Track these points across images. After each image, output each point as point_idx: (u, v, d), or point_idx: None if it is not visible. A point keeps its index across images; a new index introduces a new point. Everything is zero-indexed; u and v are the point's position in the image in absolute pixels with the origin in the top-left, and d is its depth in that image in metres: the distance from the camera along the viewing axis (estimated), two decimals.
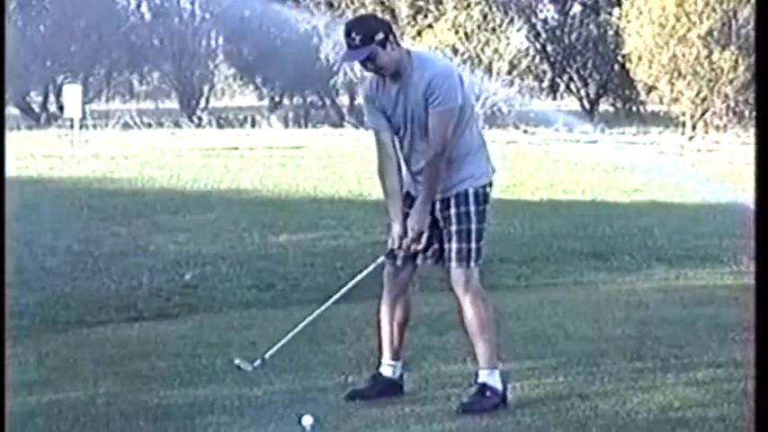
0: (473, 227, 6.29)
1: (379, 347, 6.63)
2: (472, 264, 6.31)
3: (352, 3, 35.92)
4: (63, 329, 8.66)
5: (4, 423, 5.32)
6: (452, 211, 6.30)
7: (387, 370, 6.56)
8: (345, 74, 36.17)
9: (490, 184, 6.41)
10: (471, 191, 6.31)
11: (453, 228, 6.30)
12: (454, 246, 6.30)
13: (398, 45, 6.25)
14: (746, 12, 29.93)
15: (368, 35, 6.15)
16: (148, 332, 8.56)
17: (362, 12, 35.55)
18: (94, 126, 30.10)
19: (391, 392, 6.50)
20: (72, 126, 25.40)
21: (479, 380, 6.32)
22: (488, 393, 6.27)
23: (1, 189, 6.37)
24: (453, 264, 6.31)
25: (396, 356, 6.56)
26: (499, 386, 6.31)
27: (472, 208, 6.30)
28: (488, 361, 6.32)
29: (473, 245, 6.29)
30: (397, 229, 6.33)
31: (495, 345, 6.40)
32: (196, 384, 6.88)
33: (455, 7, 33.58)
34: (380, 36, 6.16)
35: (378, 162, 6.41)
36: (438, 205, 6.33)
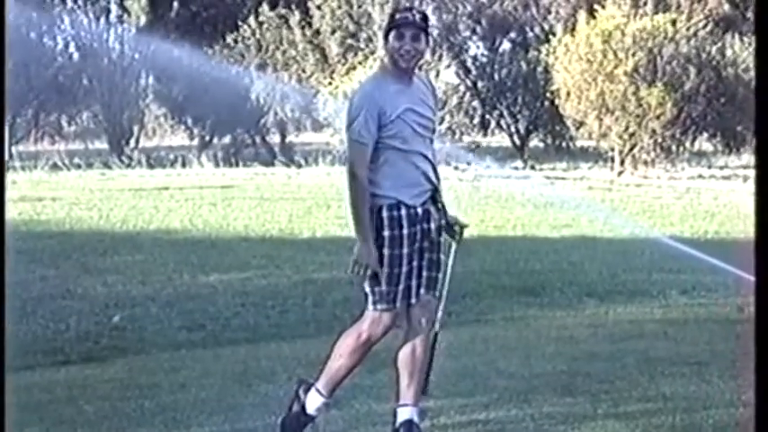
0: (442, 257, 6.48)
1: (317, 380, 6.39)
2: (437, 293, 6.39)
3: (281, 44, 36.04)
4: None
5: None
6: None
7: (315, 405, 6.37)
8: (276, 113, 36.19)
9: None
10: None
11: (426, 257, 6.41)
12: (424, 274, 6.40)
13: None
14: (671, 49, 30.45)
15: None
16: (76, 376, 8.45)
17: (293, 53, 35.81)
18: (23, 168, 29.84)
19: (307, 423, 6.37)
20: None
21: (406, 417, 6.20)
22: (415, 430, 6.23)
23: (1, 206, 6.26)
24: (423, 291, 6.36)
25: (331, 394, 6.41)
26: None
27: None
28: (417, 398, 6.28)
29: (440, 275, 6.44)
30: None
31: None
32: (125, 428, 6.79)
33: None
34: None
35: None
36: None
